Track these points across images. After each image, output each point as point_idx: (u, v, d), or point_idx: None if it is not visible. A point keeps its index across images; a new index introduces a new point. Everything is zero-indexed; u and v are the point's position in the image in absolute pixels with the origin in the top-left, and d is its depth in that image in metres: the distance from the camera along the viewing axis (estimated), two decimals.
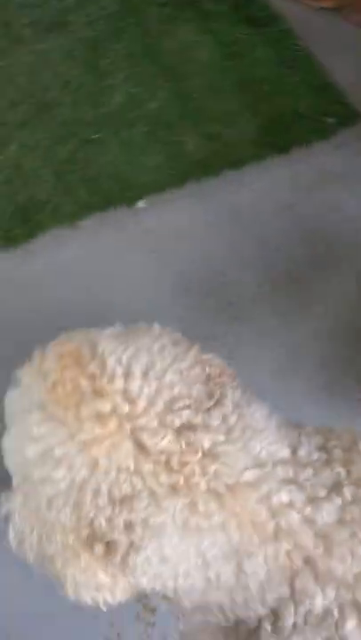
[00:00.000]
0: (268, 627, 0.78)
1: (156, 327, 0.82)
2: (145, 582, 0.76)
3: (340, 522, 0.77)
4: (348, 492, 0.79)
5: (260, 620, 0.79)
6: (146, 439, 0.70)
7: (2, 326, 1.65)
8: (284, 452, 0.79)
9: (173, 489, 0.70)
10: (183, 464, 0.70)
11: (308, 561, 0.75)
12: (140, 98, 2.05)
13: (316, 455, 0.81)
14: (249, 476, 0.74)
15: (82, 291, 1.70)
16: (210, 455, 0.72)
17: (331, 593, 0.75)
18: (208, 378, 0.78)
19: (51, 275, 1.75)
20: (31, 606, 1.38)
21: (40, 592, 1.40)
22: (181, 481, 0.70)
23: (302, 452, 0.80)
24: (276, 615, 0.77)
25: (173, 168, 1.90)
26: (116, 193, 1.86)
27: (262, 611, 0.77)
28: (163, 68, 2.12)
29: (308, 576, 0.75)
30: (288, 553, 0.74)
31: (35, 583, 1.40)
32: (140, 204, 1.85)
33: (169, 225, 1.81)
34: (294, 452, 0.80)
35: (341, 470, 0.81)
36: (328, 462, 0.82)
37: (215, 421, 0.74)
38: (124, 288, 1.71)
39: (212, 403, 0.75)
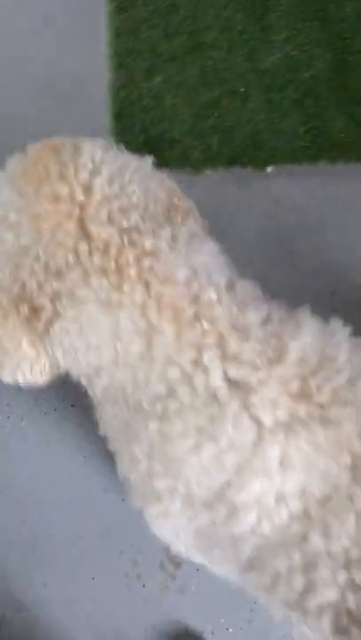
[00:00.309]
0: (158, 409, 0.82)
1: (149, 159, 0.91)
2: (60, 356, 0.85)
3: (262, 325, 0.83)
4: (276, 316, 0.86)
5: (153, 404, 0.83)
6: (90, 227, 0.79)
7: None
8: (221, 280, 0.84)
9: (104, 271, 0.79)
10: (120, 254, 0.79)
11: (220, 342, 0.80)
12: (298, 62, 1.97)
13: (250, 293, 0.87)
14: (181, 275, 0.81)
15: None
16: (149, 254, 0.80)
17: (232, 370, 0.79)
18: (172, 206, 0.87)
19: None
20: (61, 529, 1.42)
21: (73, 518, 1.44)
22: (113, 266, 0.79)
23: (238, 287, 0.86)
24: (168, 395, 0.82)
25: (312, 142, 1.83)
26: (248, 151, 1.81)
27: (158, 389, 0.82)
28: (328, 36, 2.02)
29: (216, 353, 0.79)
30: (204, 331, 0.80)
31: (70, 509, 1.45)
32: (269, 169, 1.79)
33: (292, 197, 1.75)
34: (231, 284, 0.85)
35: (275, 304, 0.88)
36: (262, 299, 0.89)
37: (164, 234, 0.82)
38: (232, 247, 1.69)
39: (165, 222, 0.84)
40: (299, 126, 1.85)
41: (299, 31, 2.03)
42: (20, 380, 0.90)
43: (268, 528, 0.80)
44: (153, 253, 0.81)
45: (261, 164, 1.80)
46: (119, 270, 0.79)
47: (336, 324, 0.90)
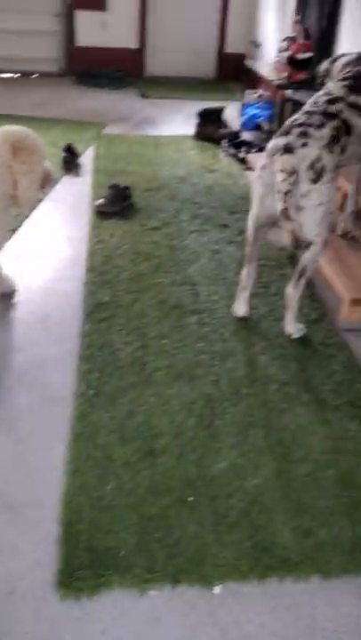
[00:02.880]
0: None
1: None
2: None
3: None
4: None
5: None
6: None
7: None
8: None
9: None
10: None
11: None
12: (243, 470, 2.10)
13: None
14: None
15: None
16: None
17: None
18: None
19: None
20: None
21: None
22: None
23: None
24: None
25: (257, 557, 1.82)
26: (193, 567, 1.78)
27: None
28: (271, 445, 2.21)
29: None
30: None
31: None
32: (217, 589, 1.74)
33: (241, 625, 1.66)
34: None
35: None
36: None
37: None
38: None
39: None
40: (244, 540, 1.86)
41: (243, 438, 2.23)
42: None
43: None
44: None
45: (207, 582, 1.76)
46: None
47: None
